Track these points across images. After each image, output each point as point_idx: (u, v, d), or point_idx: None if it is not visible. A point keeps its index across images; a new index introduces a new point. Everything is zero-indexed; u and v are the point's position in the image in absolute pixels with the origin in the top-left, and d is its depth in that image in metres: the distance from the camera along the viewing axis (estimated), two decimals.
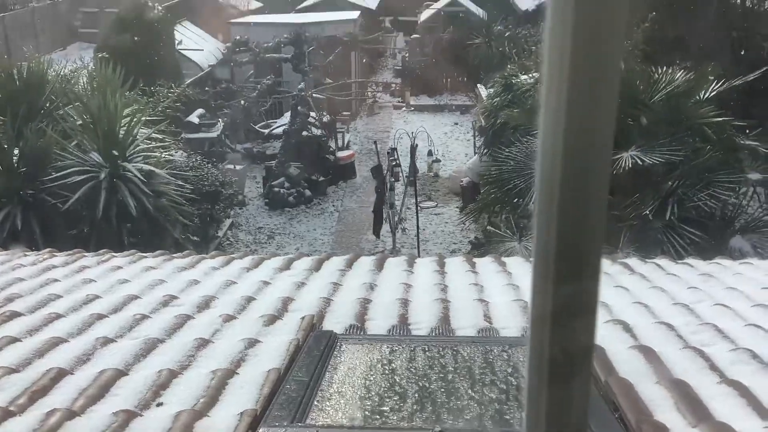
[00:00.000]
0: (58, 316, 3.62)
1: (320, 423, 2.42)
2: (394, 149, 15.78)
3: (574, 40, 0.61)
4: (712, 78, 10.30)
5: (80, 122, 10.47)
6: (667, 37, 13.59)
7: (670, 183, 9.44)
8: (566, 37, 0.61)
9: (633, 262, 5.12)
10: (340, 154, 18.44)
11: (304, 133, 17.71)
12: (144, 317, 3.59)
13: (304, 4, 28.36)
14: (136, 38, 17.21)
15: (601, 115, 0.63)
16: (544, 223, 0.62)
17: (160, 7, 19.22)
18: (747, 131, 10.25)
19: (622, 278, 4.52)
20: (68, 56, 17.57)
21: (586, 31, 0.61)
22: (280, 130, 18.32)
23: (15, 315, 3.64)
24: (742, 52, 13.40)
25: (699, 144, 9.63)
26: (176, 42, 20.30)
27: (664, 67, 10.55)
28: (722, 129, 9.65)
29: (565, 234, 0.61)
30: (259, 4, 29.43)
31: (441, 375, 2.79)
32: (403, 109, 24.75)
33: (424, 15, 29.14)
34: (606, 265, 5.00)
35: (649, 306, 3.77)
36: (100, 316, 3.59)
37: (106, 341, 3.22)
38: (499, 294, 4.07)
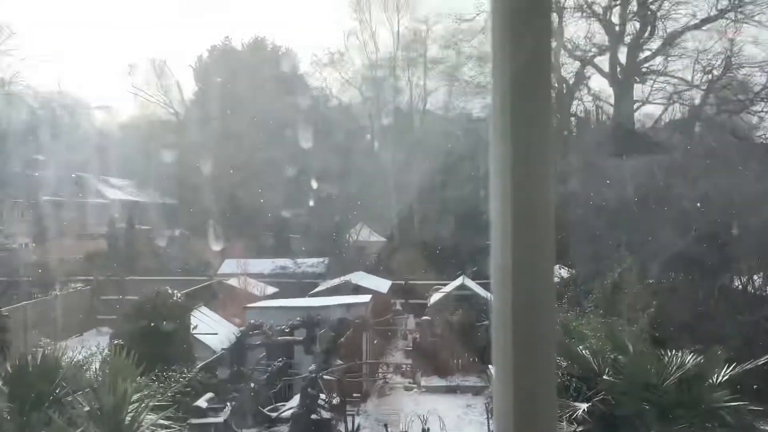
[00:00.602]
0: None
1: None
2: None
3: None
4: (723, 361, 10.31)
5: (87, 409, 10.37)
6: (674, 322, 13.84)
7: None
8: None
9: None
10: None
11: (313, 416, 17.35)
12: None
13: (318, 288, 29.41)
14: (152, 324, 17.68)
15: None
16: None
17: (179, 294, 19.98)
18: (766, 416, 10.01)
19: None
20: (84, 342, 17.92)
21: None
22: (288, 413, 17.98)
23: None
24: (750, 336, 13.55)
25: (718, 429, 9.36)
26: (192, 327, 20.77)
27: (674, 351, 10.62)
28: (740, 413, 9.44)
29: None
30: (275, 289, 30.56)
31: None
32: (414, 390, 24.44)
33: (434, 298, 29.99)
34: None
35: None
36: None
37: None
38: None
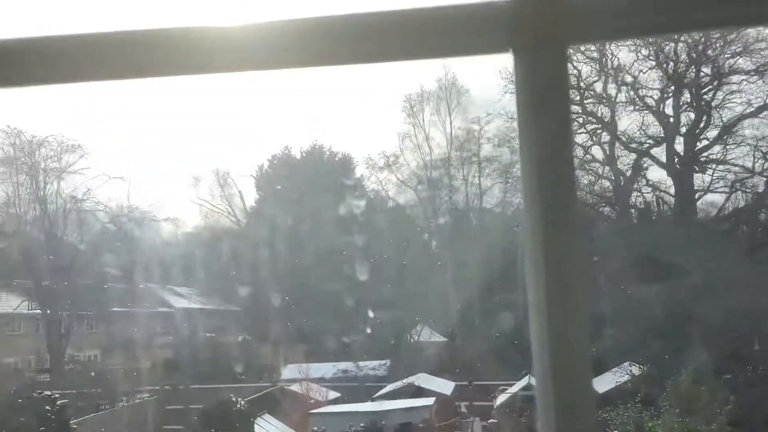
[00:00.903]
0: None
1: None
2: None
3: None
4: None
5: None
6: (755, 418, 13.10)
7: None
8: None
9: None
10: None
11: None
12: None
13: (382, 392, 28.99)
14: None
15: None
16: None
17: (243, 402, 19.96)
18: None
19: None
20: None
21: None
22: None
23: None
24: None
25: None
26: None
27: None
28: None
29: None
30: (338, 394, 30.27)
31: None
32: None
33: (500, 399, 29.17)
34: None
35: None
36: None
37: None
38: None
